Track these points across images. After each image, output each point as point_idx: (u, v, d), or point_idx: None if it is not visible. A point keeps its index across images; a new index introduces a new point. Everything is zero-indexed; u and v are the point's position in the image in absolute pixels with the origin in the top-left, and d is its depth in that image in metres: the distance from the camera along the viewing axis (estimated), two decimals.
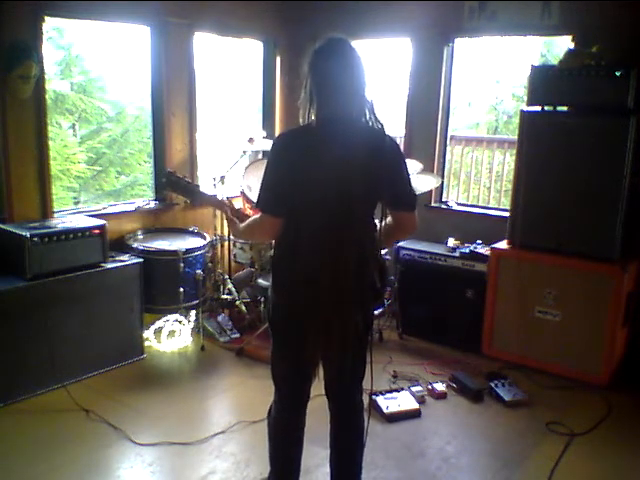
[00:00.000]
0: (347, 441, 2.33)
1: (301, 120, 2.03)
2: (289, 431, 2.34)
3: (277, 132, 5.19)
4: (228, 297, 4.43)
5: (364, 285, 2.07)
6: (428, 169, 4.43)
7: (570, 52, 3.71)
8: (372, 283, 2.10)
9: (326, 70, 1.96)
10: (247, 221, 2.22)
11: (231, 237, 4.35)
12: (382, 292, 2.21)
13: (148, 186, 7.14)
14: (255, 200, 2.11)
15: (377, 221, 2.11)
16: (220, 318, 4.37)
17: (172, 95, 4.40)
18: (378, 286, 2.13)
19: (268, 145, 4.77)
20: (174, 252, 3.95)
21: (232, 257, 4.52)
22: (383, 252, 2.65)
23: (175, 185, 2.40)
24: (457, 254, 4.20)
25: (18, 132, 3.59)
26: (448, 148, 4.90)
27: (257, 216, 2.13)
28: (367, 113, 2.00)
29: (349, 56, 1.97)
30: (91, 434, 3.07)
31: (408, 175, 2.10)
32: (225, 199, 2.49)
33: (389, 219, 2.14)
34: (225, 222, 2.40)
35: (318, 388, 2.30)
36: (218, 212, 4.39)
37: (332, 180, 1.94)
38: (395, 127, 5.91)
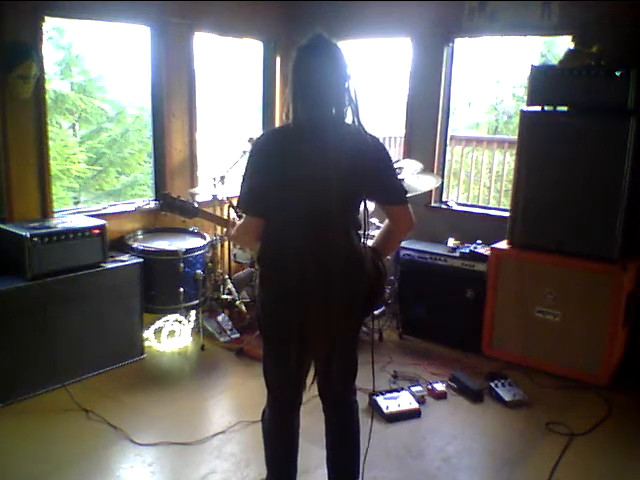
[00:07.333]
0: (342, 441, 2.33)
1: (284, 117, 2.03)
2: (283, 434, 2.32)
3: None
4: (228, 297, 4.43)
5: (354, 285, 2.06)
6: (428, 169, 4.42)
7: (570, 52, 3.70)
8: (364, 283, 2.09)
9: (308, 68, 1.96)
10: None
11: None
12: (378, 293, 2.19)
13: (148, 186, 7.13)
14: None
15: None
16: (220, 318, 4.37)
17: (172, 95, 4.40)
18: (375, 288, 2.13)
19: None
20: (174, 252, 3.95)
21: (232, 257, 4.53)
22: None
23: (171, 205, 2.55)
24: (457, 254, 4.20)
25: (18, 132, 3.59)
26: (448, 148, 4.90)
27: (241, 220, 2.15)
28: (349, 113, 2.00)
29: (332, 55, 1.96)
30: (91, 434, 3.07)
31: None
32: (232, 218, 2.65)
33: (385, 222, 2.17)
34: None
35: (316, 388, 2.30)
36: (217, 212, 4.40)
37: (310, 179, 1.95)
38: (395, 127, 5.90)
